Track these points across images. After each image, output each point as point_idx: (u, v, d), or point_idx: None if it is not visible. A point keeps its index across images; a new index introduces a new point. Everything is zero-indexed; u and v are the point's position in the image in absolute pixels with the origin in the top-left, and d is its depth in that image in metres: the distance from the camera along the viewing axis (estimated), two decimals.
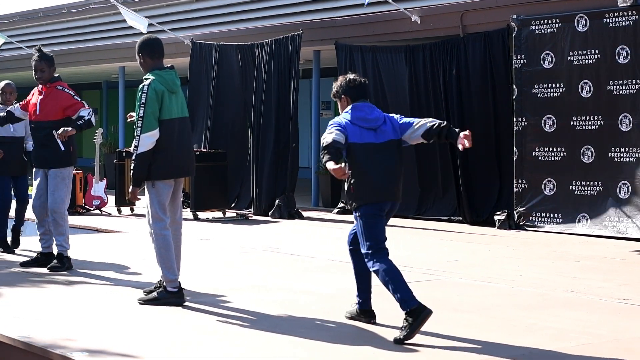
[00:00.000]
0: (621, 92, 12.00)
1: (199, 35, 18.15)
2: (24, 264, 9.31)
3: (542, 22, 12.81)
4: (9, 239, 10.44)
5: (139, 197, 7.46)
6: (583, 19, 12.36)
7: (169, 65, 7.53)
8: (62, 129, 8.83)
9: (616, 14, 12.01)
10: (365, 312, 6.75)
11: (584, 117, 12.41)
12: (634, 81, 11.87)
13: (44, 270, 9.01)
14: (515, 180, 13.12)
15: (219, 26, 19.01)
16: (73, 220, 12.13)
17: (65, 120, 9.03)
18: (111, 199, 15.45)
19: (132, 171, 7.31)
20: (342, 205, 15.17)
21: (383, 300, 6.74)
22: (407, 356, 5.90)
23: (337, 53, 15.33)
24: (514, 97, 13.14)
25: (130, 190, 7.42)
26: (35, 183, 9.14)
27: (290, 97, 15.20)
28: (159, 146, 7.25)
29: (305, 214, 15.07)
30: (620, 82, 11.99)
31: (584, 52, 12.36)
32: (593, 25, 12.26)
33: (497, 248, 11.23)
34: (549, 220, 12.75)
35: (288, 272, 9.32)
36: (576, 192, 12.48)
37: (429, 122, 6.55)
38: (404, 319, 6.20)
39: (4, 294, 7.84)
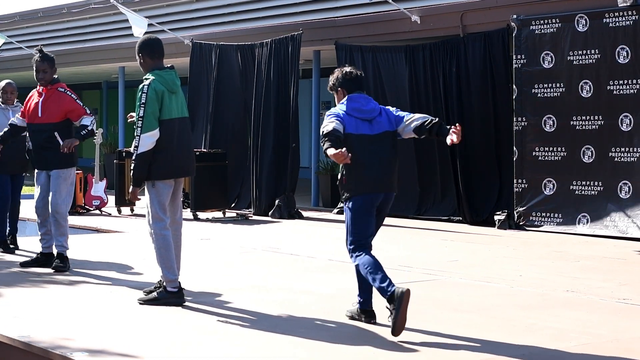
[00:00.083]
0: (621, 92, 12.00)
1: (199, 35, 18.15)
2: (24, 264, 9.30)
3: (542, 22, 12.81)
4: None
5: (139, 197, 7.46)
6: (583, 19, 12.37)
7: (169, 65, 7.53)
8: (67, 141, 8.86)
9: (616, 14, 12.01)
10: (365, 312, 6.76)
11: (584, 117, 12.41)
12: (634, 81, 11.87)
13: (44, 270, 9.01)
14: (515, 180, 13.12)
15: (219, 26, 19.00)
16: (73, 220, 12.14)
17: (66, 122, 9.04)
18: (111, 199, 15.45)
19: (132, 171, 7.31)
20: (342, 205, 15.15)
21: (383, 300, 6.73)
22: (407, 356, 5.90)
23: (337, 53, 15.33)
24: (514, 97, 13.15)
25: (130, 190, 7.42)
26: (37, 184, 9.14)
27: (290, 97, 15.21)
28: (159, 146, 7.24)
29: (305, 214, 15.07)
30: (621, 82, 11.99)
31: (584, 52, 12.36)
32: (593, 25, 12.26)
33: (497, 248, 11.23)
34: (549, 220, 12.75)
35: (288, 272, 9.32)
36: (576, 192, 12.48)
37: (422, 117, 6.66)
38: (386, 307, 6.32)
39: (4, 294, 7.84)
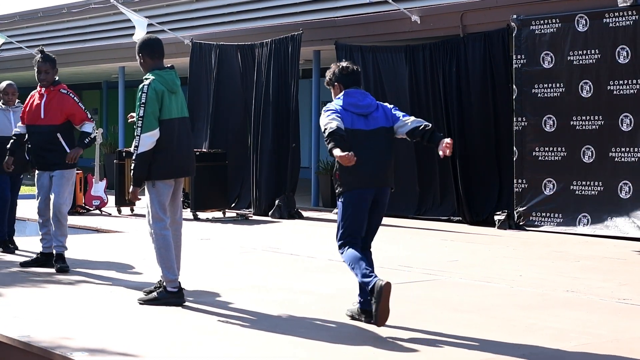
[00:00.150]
0: (621, 92, 12.00)
1: (199, 35, 18.15)
2: (24, 264, 9.30)
3: (542, 22, 12.81)
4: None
5: (139, 197, 7.46)
6: (583, 19, 12.37)
7: (169, 65, 7.53)
8: (73, 152, 8.89)
9: (616, 14, 12.01)
10: (366, 311, 6.75)
11: (584, 117, 12.41)
12: (634, 81, 11.88)
13: (44, 270, 9.02)
14: (515, 180, 13.12)
15: (219, 26, 19.01)
16: (73, 220, 12.14)
17: (67, 124, 9.04)
18: (111, 199, 15.45)
19: (132, 171, 7.31)
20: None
21: None
22: (407, 356, 5.89)
23: (337, 53, 15.32)
24: (514, 97, 13.14)
25: (130, 190, 7.42)
26: (39, 185, 9.13)
27: (291, 97, 15.21)
28: (159, 146, 7.25)
29: (305, 214, 15.07)
30: (621, 82, 11.99)
31: (584, 52, 12.36)
32: (593, 25, 12.26)
33: (497, 248, 11.23)
34: (549, 220, 12.74)
35: (288, 272, 9.32)
36: (577, 192, 12.48)
37: (416, 122, 6.73)
38: (368, 299, 6.43)
39: (4, 294, 7.84)
